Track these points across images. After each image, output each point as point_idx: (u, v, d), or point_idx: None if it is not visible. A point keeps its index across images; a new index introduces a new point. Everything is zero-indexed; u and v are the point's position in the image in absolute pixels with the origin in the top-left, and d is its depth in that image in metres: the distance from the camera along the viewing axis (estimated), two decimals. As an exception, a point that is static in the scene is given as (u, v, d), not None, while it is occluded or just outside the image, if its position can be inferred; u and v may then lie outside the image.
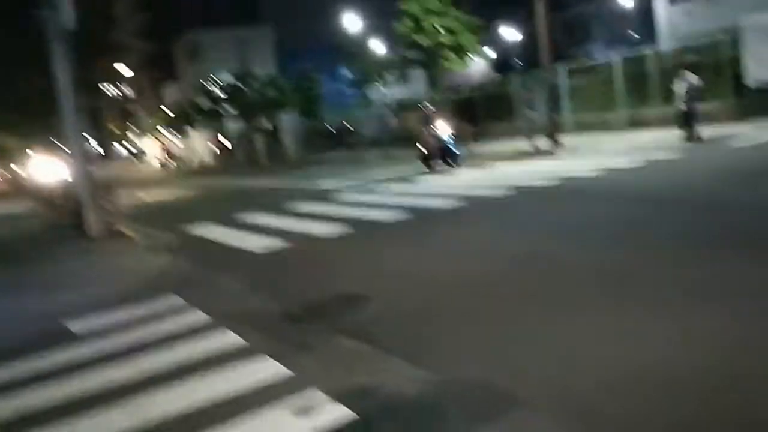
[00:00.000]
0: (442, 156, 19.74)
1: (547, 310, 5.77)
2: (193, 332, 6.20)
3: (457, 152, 19.93)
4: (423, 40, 31.61)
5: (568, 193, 12.78)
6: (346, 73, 46.19)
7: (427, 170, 19.65)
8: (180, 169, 49.32)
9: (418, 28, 31.37)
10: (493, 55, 57.14)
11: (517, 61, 55.86)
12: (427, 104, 21.45)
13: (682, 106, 18.12)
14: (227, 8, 66.42)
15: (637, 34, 49.80)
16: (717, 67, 21.18)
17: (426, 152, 20.06)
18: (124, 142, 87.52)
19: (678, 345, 4.65)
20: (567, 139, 22.31)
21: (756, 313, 5.03)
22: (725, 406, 3.72)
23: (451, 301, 6.52)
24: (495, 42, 58.42)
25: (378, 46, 46.65)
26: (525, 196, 12.80)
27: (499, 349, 5.06)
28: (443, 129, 19.86)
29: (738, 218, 8.40)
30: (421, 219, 11.62)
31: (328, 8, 50.43)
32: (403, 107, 39.39)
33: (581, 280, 6.56)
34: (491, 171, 18.20)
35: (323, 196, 16.73)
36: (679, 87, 18.18)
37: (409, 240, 10.04)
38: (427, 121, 20.40)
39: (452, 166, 19.47)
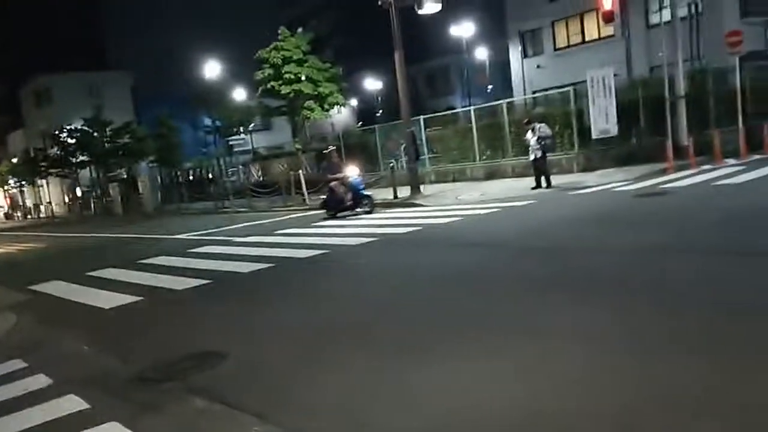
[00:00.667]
0: (353, 201, 19.46)
1: (394, 356, 5.94)
2: (36, 398, 5.99)
3: (368, 194, 20.02)
4: (283, 89, 32.07)
5: (426, 239, 13.26)
6: (207, 120, 46.06)
7: (327, 217, 19.50)
8: (28, 221, 47.28)
9: (278, 76, 31.83)
10: (355, 104, 58.52)
11: (379, 110, 57.41)
12: (333, 150, 21.37)
13: (533, 156, 19.25)
14: (76, 52, 64.74)
15: (494, 86, 52.33)
16: (565, 118, 22.52)
17: (331, 199, 19.85)
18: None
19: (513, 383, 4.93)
20: (427, 188, 23.15)
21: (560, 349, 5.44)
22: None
23: (306, 352, 6.60)
24: (358, 92, 59.89)
25: (239, 94, 46.84)
26: (384, 244, 13.16)
27: (351, 402, 5.14)
28: (353, 173, 19.89)
29: (576, 262, 9.03)
30: (282, 269, 11.64)
31: (189, 55, 50.17)
32: (267, 156, 39.58)
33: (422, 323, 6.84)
34: (354, 220, 18.49)
35: (179, 248, 16.50)
36: (531, 138, 19.23)
37: (266, 292, 10.05)
38: (332, 167, 20.34)
39: (368, 210, 19.38)
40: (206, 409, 5.32)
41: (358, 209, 19.45)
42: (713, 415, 4.06)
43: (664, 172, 18.65)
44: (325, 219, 19.27)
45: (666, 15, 23.08)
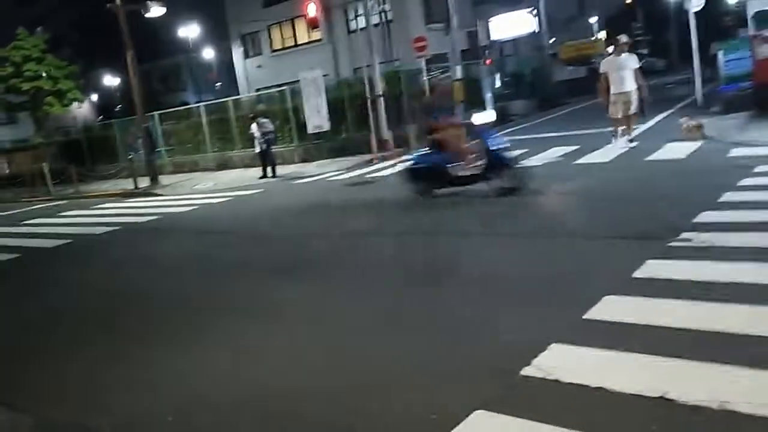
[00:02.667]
0: (489, 167, 10.54)
1: (124, 342, 6.09)
2: None
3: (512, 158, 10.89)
4: (24, 85, 31.25)
5: (165, 227, 13.41)
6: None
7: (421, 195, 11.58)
8: None
9: (19, 73, 30.98)
10: (96, 99, 56.49)
11: (119, 105, 55.88)
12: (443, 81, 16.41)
13: (258, 148, 19.97)
14: None
15: (222, 83, 53.09)
16: (285, 114, 23.40)
17: (434, 162, 11.27)
18: None
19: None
20: (165, 178, 23.04)
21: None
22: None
23: (49, 339, 6.56)
24: (97, 88, 57.75)
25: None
26: (127, 233, 13.21)
27: (93, 387, 5.14)
28: (482, 118, 11.02)
29: (284, 247, 9.73)
30: (27, 259, 11.43)
31: None
32: (11, 149, 37.36)
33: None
34: (99, 209, 18.02)
35: None
36: (256, 131, 19.86)
37: (14, 281, 9.82)
38: (436, 108, 12.22)
39: (513, 188, 10.39)
40: None
41: (495, 182, 10.50)
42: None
43: (370, 162, 19.49)
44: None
45: (362, 22, 24.07)
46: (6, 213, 20.33)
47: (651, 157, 12.05)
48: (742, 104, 16.20)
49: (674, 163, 11.29)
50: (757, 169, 9.32)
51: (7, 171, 31.92)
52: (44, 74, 29.94)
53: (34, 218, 17.67)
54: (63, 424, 4.56)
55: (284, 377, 4.72)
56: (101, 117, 49.30)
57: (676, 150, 12.34)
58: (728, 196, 7.95)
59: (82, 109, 42.52)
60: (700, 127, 13.62)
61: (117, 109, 54.70)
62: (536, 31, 33.64)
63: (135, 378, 5.15)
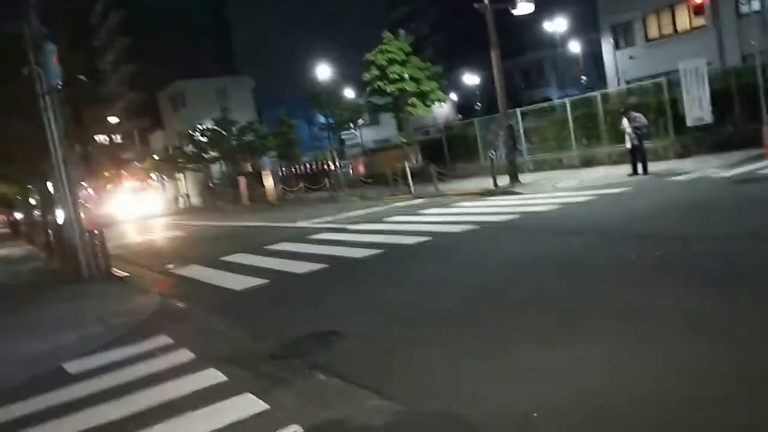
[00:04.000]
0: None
1: (495, 339, 5.86)
2: (181, 371, 6.22)
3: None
4: (388, 88, 32.09)
5: (525, 226, 12.90)
6: (320, 118, 46.65)
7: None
8: (169, 211, 49.00)
9: (384, 76, 31.85)
10: (455, 98, 57.95)
11: (478, 104, 56.64)
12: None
13: (629, 144, 18.46)
14: (207, 59, 66.91)
15: (588, 77, 50.78)
16: (660, 107, 21.55)
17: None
18: (116, 188, 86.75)
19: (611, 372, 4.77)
20: (525, 176, 22.59)
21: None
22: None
23: (408, 331, 6.62)
24: (457, 87, 59.30)
25: (349, 93, 47.26)
26: (485, 231, 12.92)
27: (458, 379, 5.12)
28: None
29: (675, 250, 8.56)
30: (390, 255, 11.65)
31: (303, 59, 51.26)
32: (375, 149, 39.65)
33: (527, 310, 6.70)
34: (458, 208, 18.17)
35: (301, 235, 16.70)
36: (627, 126, 18.43)
37: (381, 275, 10.10)
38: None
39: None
40: (327, 383, 5.42)
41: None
42: None
43: (760, 157, 17.33)
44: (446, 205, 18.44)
45: (756, 5, 21.69)
46: (369, 211, 21.45)
47: None
48: None
49: None
50: None
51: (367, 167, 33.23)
52: (407, 76, 30.30)
53: (394, 216, 18.26)
54: (431, 412, 4.59)
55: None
56: (460, 116, 50.29)
57: None
58: None
59: (443, 109, 43.51)
60: None
61: (477, 107, 55.21)
62: None
63: (500, 371, 5.10)
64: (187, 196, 57.06)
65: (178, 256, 16.25)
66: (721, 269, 7.15)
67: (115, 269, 14.18)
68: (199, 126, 52.53)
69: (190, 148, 53.75)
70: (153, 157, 61.20)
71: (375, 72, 32.30)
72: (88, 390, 6.07)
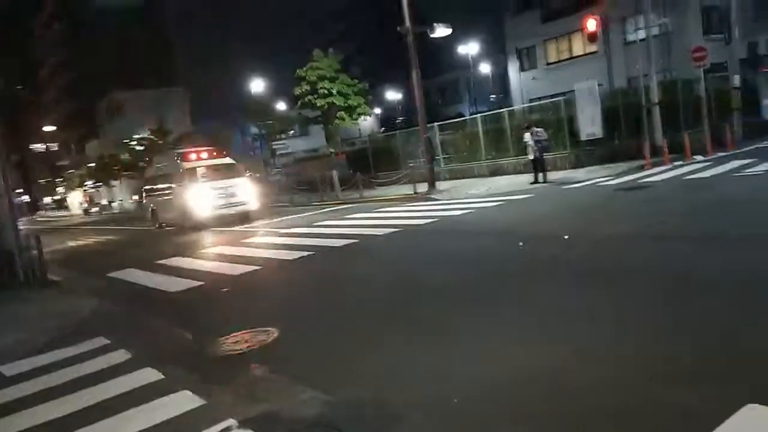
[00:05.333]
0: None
1: (411, 329, 5.97)
2: (118, 370, 6.01)
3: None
4: (318, 102, 32.71)
5: (442, 229, 13.18)
6: (253, 128, 46.69)
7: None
8: (104, 216, 47.96)
9: (314, 91, 32.48)
10: (379, 112, 58.98)
11: (400, 118, 57.84)
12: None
13: (532, 156, 19.33)
14: (146, 71, 65.85)
15: (496, 95, 52.59)
16: (558, 123, 22.41)
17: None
18: (52, 193, 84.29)
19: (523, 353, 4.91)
20: (442, 184, 23.05)
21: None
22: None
23: (341, 326, 6.66)
24: (381, 102, 60.40)
25: (281, 106, 47.59)
26: (407, 234, 13.13)
27: (386, 368, 5.16)
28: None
29: (574, 248, 8.93)
30: (321, 256, 11.57)
31: (238, 73, 51.34)
32: (304, 158, 39.86)
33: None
34: (381, 213, 18.23)
35: (236, 239, 16.37)
36: (529, 139, 19.28)
37: (312, 276, 10.07)
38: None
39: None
40: (263, 378, 5.38)
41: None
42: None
43: (642, 168, 18.52)
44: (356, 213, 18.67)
45: (641, 34, 22.98)
46: (299, 216, 21.28)
47: None
48: None
49: None
50: None
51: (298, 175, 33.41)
52: (336, 92, 31.04)
53: (323, 221, 18.09)
54: (363, 401, 4.64)
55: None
56: (383, 128, 51.17)
57: None
58: None
59: (367, 122, 44.26)
60: None
61: (398, 121, 56.29)
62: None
63: (424, 364, 5.16)
64: (122, 201, 55.96)
65: (113, 260, 15.56)
66: (608, 265, 7.57)
67: (50, 273, 13.25)
68: (135, 135, 51.81)
69: (125, 156, 52.91)
70: (88, 165, 59.91)
71: (306, 87, 32.87)
72: (25, 391, 5.79)
